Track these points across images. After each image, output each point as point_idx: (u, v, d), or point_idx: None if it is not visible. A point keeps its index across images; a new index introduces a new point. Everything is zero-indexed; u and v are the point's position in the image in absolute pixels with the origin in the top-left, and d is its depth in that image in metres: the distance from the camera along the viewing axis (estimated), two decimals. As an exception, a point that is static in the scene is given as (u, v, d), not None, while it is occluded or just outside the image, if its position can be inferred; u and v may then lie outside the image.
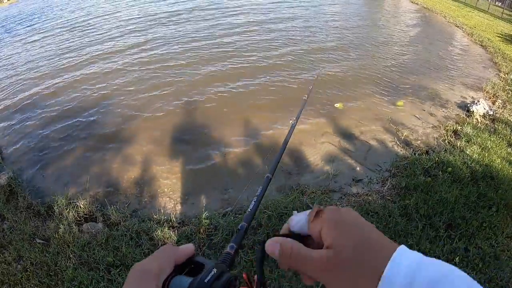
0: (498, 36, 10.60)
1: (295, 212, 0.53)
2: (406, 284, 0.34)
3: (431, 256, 0.38)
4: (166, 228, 3.08)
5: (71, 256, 2.77)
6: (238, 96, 5.86)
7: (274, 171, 0.78)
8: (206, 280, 0.43)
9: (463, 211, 3.45)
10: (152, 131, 4.96)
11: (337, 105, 5.53)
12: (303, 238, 0.44)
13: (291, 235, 0.45)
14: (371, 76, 6.74)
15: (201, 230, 3.10)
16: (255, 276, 0.55)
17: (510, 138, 5.10)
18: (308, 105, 5.60)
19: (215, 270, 0.45)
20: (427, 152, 4.44)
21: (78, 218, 3.23)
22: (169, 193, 3.85)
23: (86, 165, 4.31)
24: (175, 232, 3.09)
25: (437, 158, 4.17)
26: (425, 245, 3.03)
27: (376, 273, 0.36)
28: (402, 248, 0.38)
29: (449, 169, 3.93)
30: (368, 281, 0.36)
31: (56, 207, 3.39)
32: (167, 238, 2.99)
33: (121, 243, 2.85)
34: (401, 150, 4.56)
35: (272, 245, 0.43)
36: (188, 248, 0.48)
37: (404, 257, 0.37)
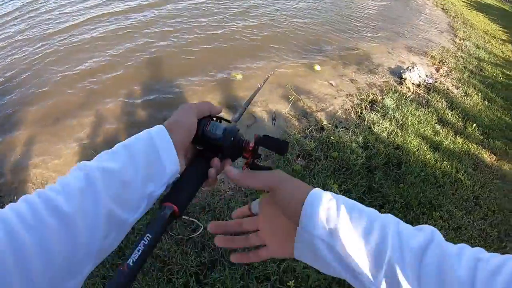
0: (463, 1, 9.38)
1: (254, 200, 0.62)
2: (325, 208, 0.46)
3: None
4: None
5: None
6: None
7: None
8: (237, 128, 0.60)
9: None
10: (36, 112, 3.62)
11: (237, 77, 4.23)
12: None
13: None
14: (293, 36, 5.44)
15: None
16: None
17: (443, 113, 4.02)
18: (203, 75, 4.30)
19: (237, 126, 0.61)
20: (322, 128, 3.30)
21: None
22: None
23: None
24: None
25: (325, 138, 3.04)
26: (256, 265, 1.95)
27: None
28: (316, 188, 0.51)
29: (335, 153, 2.81)
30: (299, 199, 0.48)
31: None
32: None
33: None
34: (294, 125, 3.41)
35: (230, 170, 0.55)
36: (219, 107, 0.63)
37: (319, 191, 0.50)
